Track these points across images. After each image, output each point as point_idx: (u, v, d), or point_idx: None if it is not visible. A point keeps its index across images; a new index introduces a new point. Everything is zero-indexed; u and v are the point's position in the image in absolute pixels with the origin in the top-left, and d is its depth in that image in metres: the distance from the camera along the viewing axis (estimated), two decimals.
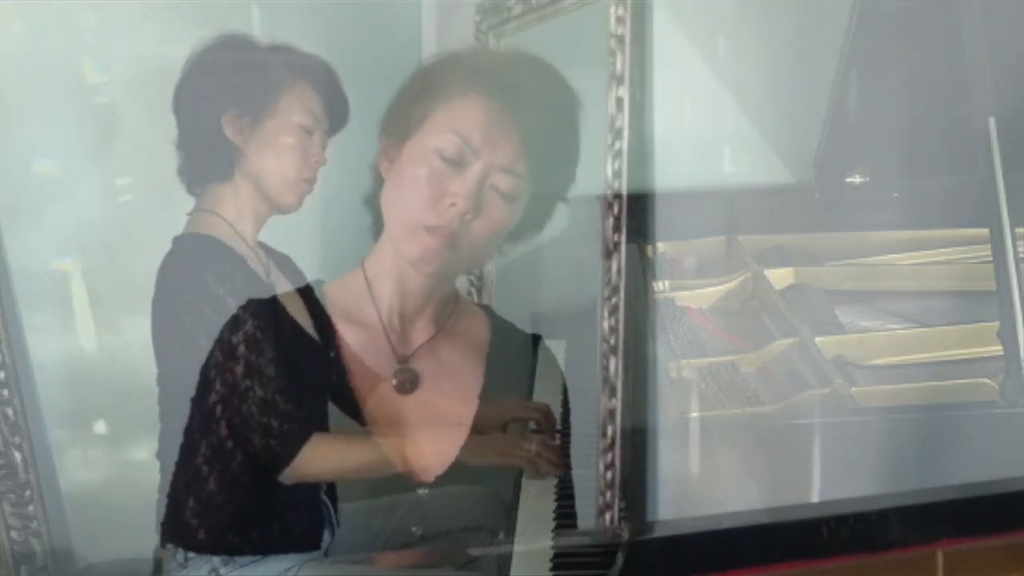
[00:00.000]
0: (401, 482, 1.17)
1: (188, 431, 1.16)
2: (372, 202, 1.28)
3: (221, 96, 1.59)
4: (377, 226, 1.26)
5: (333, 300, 1.24)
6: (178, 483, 1.14)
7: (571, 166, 1.26)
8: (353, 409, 1.19)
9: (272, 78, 1.63)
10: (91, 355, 2.02)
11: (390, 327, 1.23)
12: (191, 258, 1.78)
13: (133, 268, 2.07)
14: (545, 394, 1.31)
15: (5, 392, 1.85)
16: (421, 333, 1.25)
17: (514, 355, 1.30)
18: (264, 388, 1.15)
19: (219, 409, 1.14)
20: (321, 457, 1.15)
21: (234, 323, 1.17)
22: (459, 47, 1.27)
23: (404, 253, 1.18)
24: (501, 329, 1.32)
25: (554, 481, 1.27)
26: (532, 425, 1.28)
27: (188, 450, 1.15)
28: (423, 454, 1.20)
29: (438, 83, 1.23)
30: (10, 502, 1.85)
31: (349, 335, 1.22)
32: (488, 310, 1.35)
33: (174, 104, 1.68)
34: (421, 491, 1.18)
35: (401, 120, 1.23)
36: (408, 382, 1.23)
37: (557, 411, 1.31)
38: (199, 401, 1.16)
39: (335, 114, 1.70)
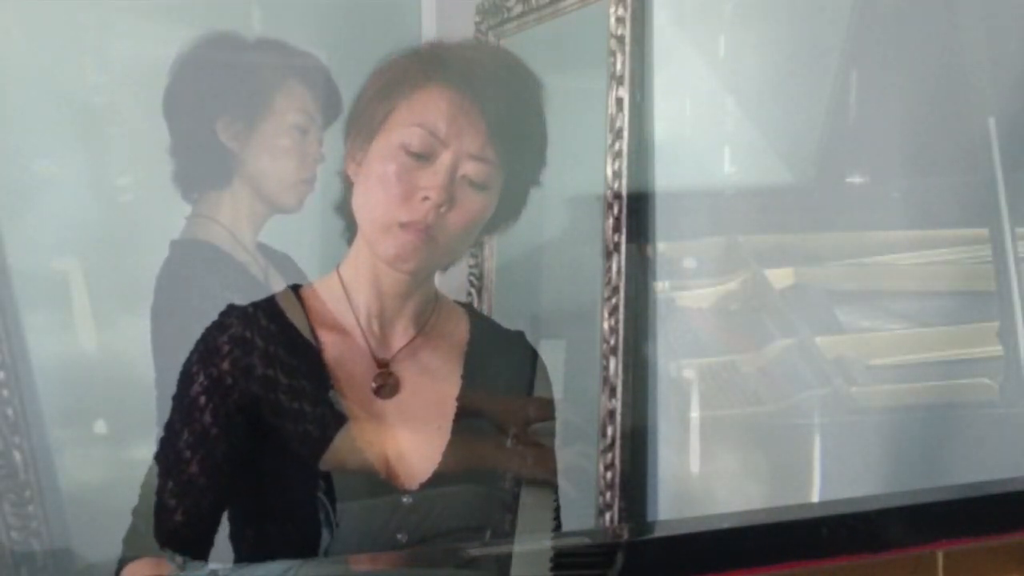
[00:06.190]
0: (385, 488, 1.16)
1: (169, 424, 1.16)
2: (343, 208, 1.27)
3: (212, 101, 1.58)
4: (349, 233, 1.25)
5: (311, 305, 1.22)
6: (156, 471, 1.15)
7: (539, 149, 1.25)
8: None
9: (263, 80, 1.62)
10: (91, 355, 2.02)
11: (369, 331, 1.21)
12: (190, 265, 1.78)
13: (133, 268, 2.07)
14: (536, 391, 1.29)
15: (5, 392, 1.85)
16: (401, 337, 1.23)
17: (494, 353, 1.28)
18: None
19: (202, 399, 1.14)
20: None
21: (220, 324, 1.17)
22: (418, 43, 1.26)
23: (381, 253, 1.17)
24: (480, 327, 1.29)
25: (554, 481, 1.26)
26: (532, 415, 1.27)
27: (169, 439, 1.15)
28: (405, 460, 1.19)
29: (398, 79, 1.22)
30: (10, 502, 1.85)
31: (328, 340, 1.20)
32: (469, 308, 1.33)
33: (165, 109, 1.67)
34: (405, 498, 1.17)
35: (364, 120, 1.22)
36: (388, 387, 1.20)
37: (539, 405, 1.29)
38: (180, 396, 1.16)
39: (329, 107, 1.68)
